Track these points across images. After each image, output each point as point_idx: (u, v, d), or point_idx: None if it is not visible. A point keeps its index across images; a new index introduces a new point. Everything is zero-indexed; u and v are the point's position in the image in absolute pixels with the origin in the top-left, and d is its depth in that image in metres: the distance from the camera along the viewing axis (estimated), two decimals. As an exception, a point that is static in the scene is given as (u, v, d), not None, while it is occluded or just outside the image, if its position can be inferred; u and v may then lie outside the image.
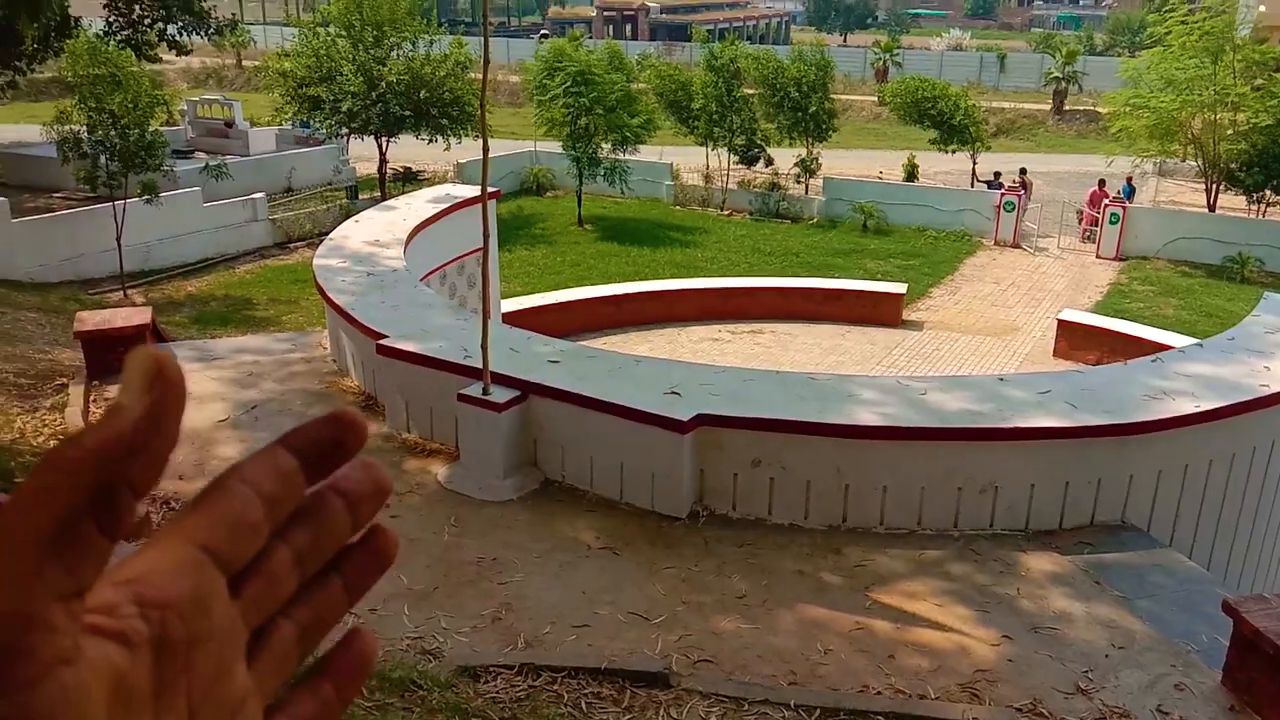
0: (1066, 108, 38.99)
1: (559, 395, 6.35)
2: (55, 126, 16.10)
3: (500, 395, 6.40)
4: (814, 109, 24.84)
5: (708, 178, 26.00)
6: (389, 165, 23.46)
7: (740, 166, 25.91)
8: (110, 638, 0.35)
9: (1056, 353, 15.30)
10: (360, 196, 23.33)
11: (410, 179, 24.07)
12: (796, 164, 25.21)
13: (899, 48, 46.82)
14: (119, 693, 0.35)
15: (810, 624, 5.29)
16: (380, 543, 0.46)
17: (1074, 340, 15.06)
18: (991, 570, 5.89)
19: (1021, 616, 5.43)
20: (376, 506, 0.44)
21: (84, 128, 15.80)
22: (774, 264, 20.54)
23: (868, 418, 6.20)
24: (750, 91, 25.73)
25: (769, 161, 25.71)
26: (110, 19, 23.00)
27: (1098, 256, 21.59)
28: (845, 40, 74.68)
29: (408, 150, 24.34)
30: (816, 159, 25.36)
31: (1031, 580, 5.81)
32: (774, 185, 25.24)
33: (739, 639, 5.11)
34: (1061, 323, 15.43)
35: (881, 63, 45.01)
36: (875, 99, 40.44)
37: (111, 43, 18.12)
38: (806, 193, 25.27)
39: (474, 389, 6.50)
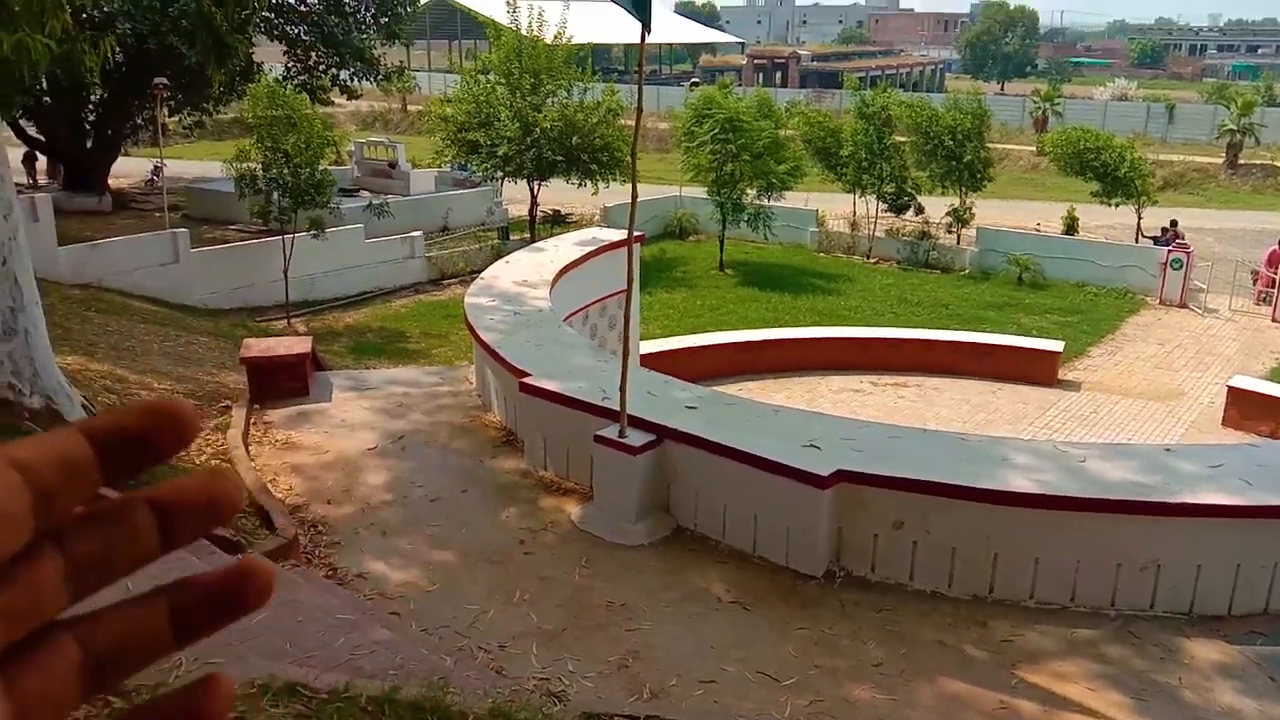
0: (1241, 161, 36.75)
1: (695, 442, 6.28)
2: (235, 164, 17.26)
3: (636, 438, 6.39)
4: (969, 158, 24.20)
5: (854, 225, 25.63)
6: (539, 208, 24.11)
7: (889, 214, 25.43)
8: None
9: (1226, 422, 14.24)
10: (511, 237, 24.05)
11: (559, 221, 24.67)
12: (949, 213, 24.57)
13: (1060, 97, 45.30)
14: None
15: (951, 699, 5.00)
16: (239, 577, 0.37)
17: (1246, 409, 14.00)
18: (1151, 655, 5.45)
19: (1184, 709, 4.99)
20: (206, 524, 0.37)
21: (260, 166, 16.87)
22: (921, 315, 19.98)
23: (1022, 484, 5.87)
24: (902, 139, 25.30)
25: (919, 210, 25.14)
26: (289, 65, 24.60)
27: (1274, 320, 20.11)
28: (1003, 89, 72.81)
29: (557, 193, 24.97)
30: (970, 208, 24.65)
31: (1195, 670, 5.34)
32: (924, 234, 24.65)
33: (873, 709, 4.88)
34: (1232, 390, 14.37)
35: (1041, 112, 43.62)
36: (1033, 149, 39.17)
37: (289, 87, 19.36)
38: (958, 243, 24.58)
39: (611, 431, 6.50)
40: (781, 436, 6.28)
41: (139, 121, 24.58)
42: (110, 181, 25.06)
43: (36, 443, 0.33)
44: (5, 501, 0.32)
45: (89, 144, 24.11)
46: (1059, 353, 16.27)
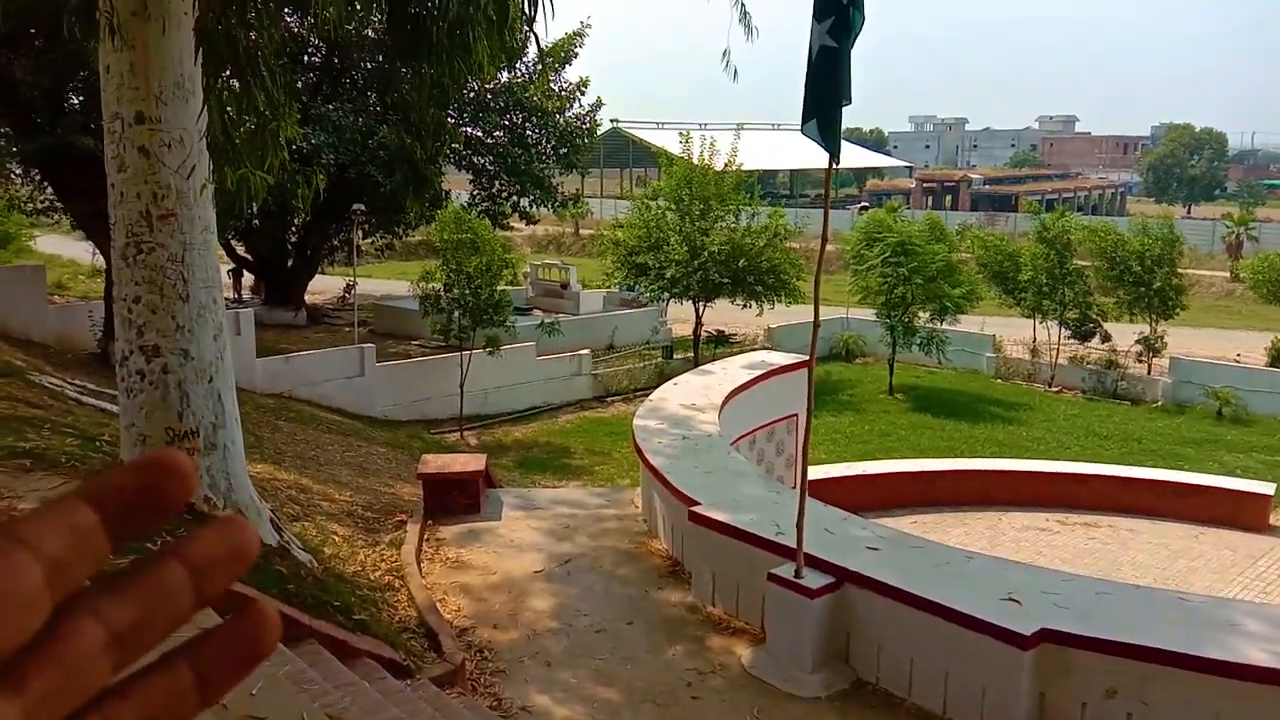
0: None
1: (880, 588, 5.86)
2: (421, 284, 18.20)
3: (813, 580, 6.02)
4: (1159, 284, 22.94)
5: (1035, 351, 24.53)
6: (703, 327, 24.27)
7: (1072, 341, 24.24)
8: None
9: None
10: (674, 356, 24.23)
11: (722, 341, 24.71)
12: (1138, 341, 23.20)
13: (1255, 221, 42.74)
14: None
15: None
16: (252, 625, 0.35)
17: None
18: None
19: None
20: (233, 575, 0.35)
21: (443, 286, 17.72)
22: (1111, 449, 18.69)
23: (1257, 655, 5.15)
24: (1084, 263, 24.29)
25: (1105, 337, 23.87)
26: (474, 192, 26.07)
27: None
28: (1189, 212, 69.53)
29: (721, 314, 25.10)
30: (1161, 337, 23.22)
31: None
32: (1111, 363, 23.32)
33: None
34: None
35: (1235, 236, 41.20)
36: (1227, 275, 36.89)
37: (474, 213, 20.41)
38: (1149, 373, 23.10)
39: (785, 569, 6.16)
40: (976, 586, 5.78)
41: (335, 243, 26.46)
42: (306, 297, 26.92)
43: (38, 516, 0.33)
44: (14, 581, 0.31)
45: (289, 263, 26.07)
46: (1270, 496, 14.75)
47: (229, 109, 5.44)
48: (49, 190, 20.26)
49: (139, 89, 5.36)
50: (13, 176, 22.03)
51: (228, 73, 5.41)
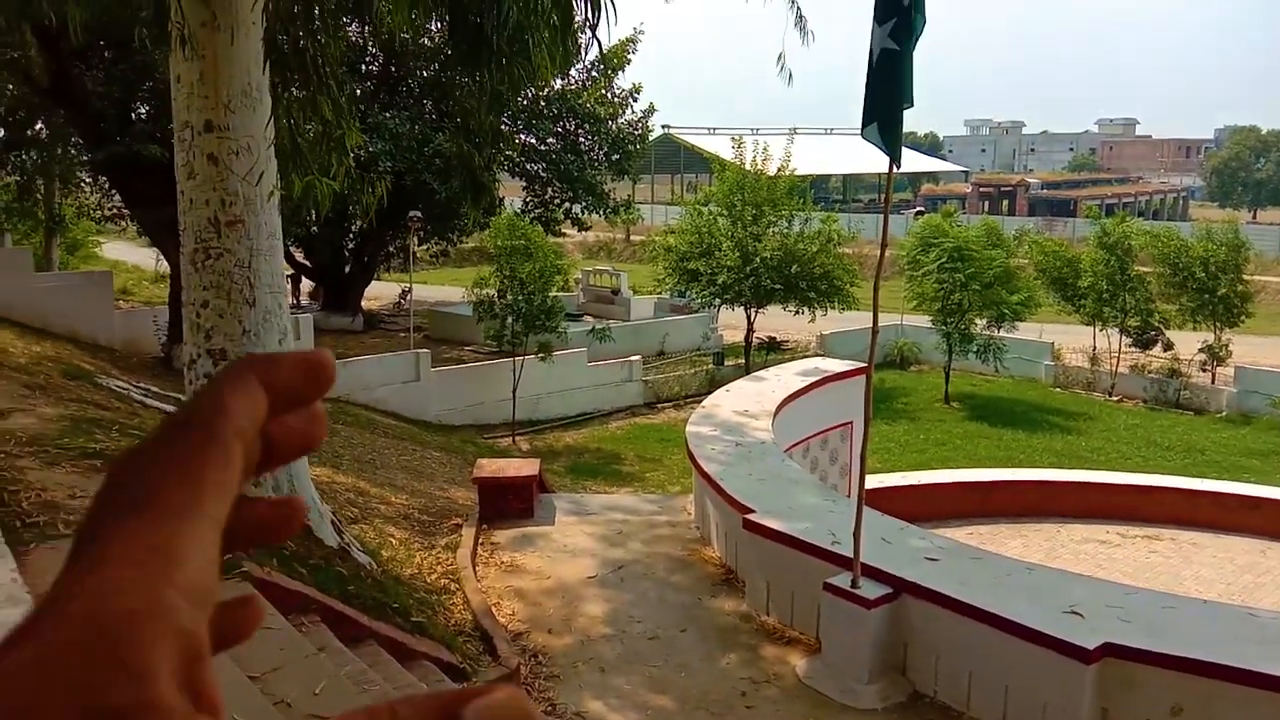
0: None
1: (938, 599, 5.78)
2: (474, 290, 18.37)
3: (870, 590, 5.96)
4: (1224, 290, 22.37)
5: (1094, 359, 24.05)
6: (755, 334, 24.17)
7: (1133, 349, 23.72)
8: None
9: None
10: (725, 362, 24.16)
11: (774, 348, 24.59)
12: (1202, 349, 22.62)
13: (1327, 224, 41.48)
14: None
15: None
16: (282, 514, 0.40)
17: None
18: None
19: None
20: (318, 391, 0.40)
21: (497, 292, 17.87)
22: (1173, 460, 18.24)
23: (1332, 674, 4.99)
24: (1145, 270, 23.77)
25: (1168, 345, 23.33)
26: (527, 199, 26.28)
27: None
28: (1255, 216, 67.73)
29: (773, 319, 24.98)
30: (1226, 345, 22.62)
31: None
32: (1173, 372, 22.77)
33: None
34: None
35: (1305, 241, 40.04)
36: (1297, 281, 35.85)
37: (527, 219, 20.57)
38: (1213, 382, 22.51)
39: (842, 579, 6.11)
40: (1037, 599, 5.67)
41: (391, 249, 26.84)
42: (363, 303, 27.33)
43: (238, 395, 0.37)
44: (239, 472, 0.36)
45: (347, 269, 26.49)
46: (1342, 509, 14.28)
47: (295, 117, 5.55)
48: (116, 198, 20.84)
49: (208, 98, 5.49)
50: (82, 185, 22.71)
51: (294, 81, 5.52)
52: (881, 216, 5.74)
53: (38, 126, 19.21)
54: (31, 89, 15.60)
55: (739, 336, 24.92)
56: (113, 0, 8.85)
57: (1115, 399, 22.86)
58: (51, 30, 12.22)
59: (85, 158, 18.80)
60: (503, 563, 7.97)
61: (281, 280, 5.77)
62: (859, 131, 5.32)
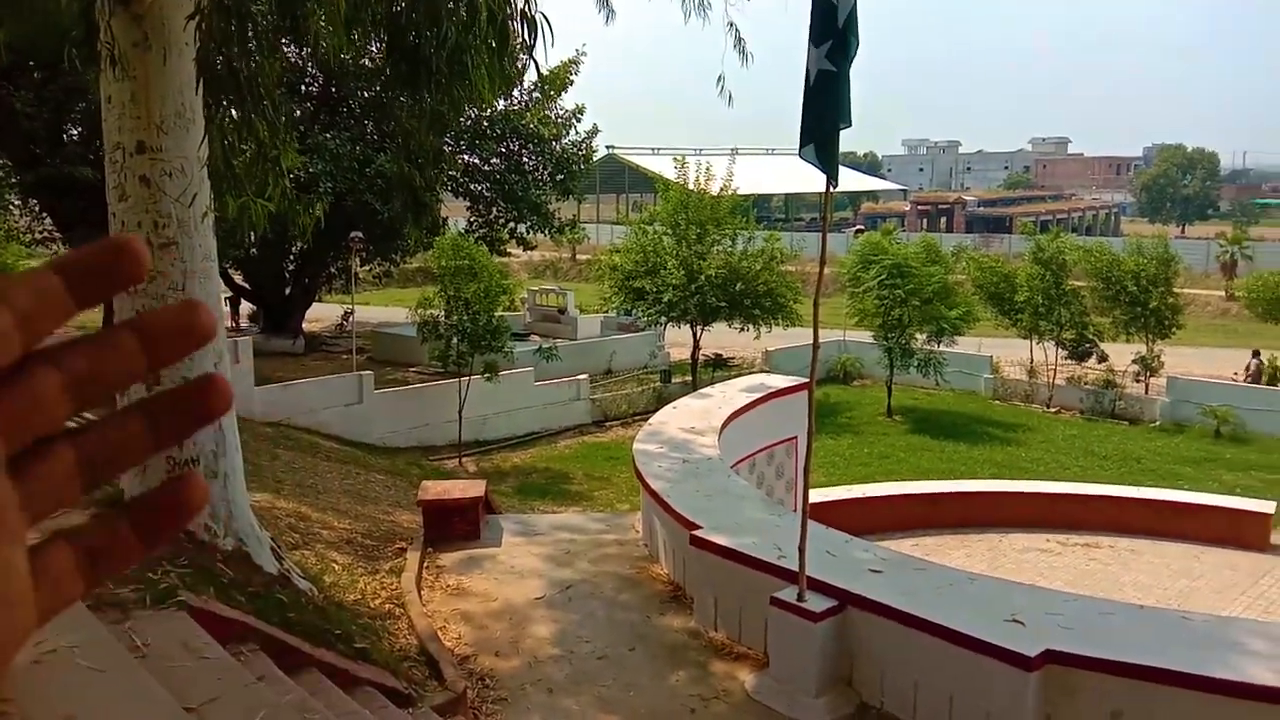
0: None
1: (882, 610, 5.84)
2: (418, 310, 18.21)
3: (817, 603, 6.00)
4: (1155, 303, 23.02)
5: (1032, 372, 24.57)
6: (701, 351, 24.29)
7: (1069, 361, 24.28)
8: None
9: None
10: (673, 380, 24.23)
11: (720, 365, 24.73)
12: (1135, 361, 23.25)
13: (1249, 240, 42.97)
14: None
15: None
16: (204, 391, 0.42)
17: None
18: None
19: None
20: (183, 348, 0.41)
21: (442, 312, 17.73)
22: (1110, 469, 18.67)
23: (1262, 674, 5.13)
24: (1079, 284, 24.38)
25: (1102, 357, 23.93)
26: (471, 219, 26.16)
27: None
28: (1183, 231, 69.91)
29: (719, 337, 25.14)
30: (1158, 356, 23.27)
31: None
32: (1109, 383, 23.35)
33: None
34: None
35: (1229, 255, 41.39)
36: (1222, 294, 37.05)
37: (471, 239, 20.47)
38: (1147, 392, 23.14)
39: (788, 593, 6.14)
40: (979, 608, 5.76)
41: (333, 270, 26.50)
42: (304, 325, 26.92)
43: (10, 278, 0.38)
44: None
45: (288, 291, 26.09)
46: (1270, 514, 14.71)
47: (230, 138, 5.47)
48: (48, 220, 20.31)
49: (140, 118, 5.40)
50: (11, 207, 22.10)
51: (228, 102, 5.45)
52: (829, 234, 5.82)
53: (-37, 148, 18.69)
54: (-44, 110, 15.19)
55: (685, 354, 25.04)
56: (40, 19, 8.66)
57: (1053, 410, 23.37)
58: (-23, 50, 11.91)
59: (15, 180, 18.31)
60: (449, 586, 7.88)
61: (217, 303, 5.67)
62: (797, 151, 5.40)
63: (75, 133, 16.45)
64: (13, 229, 23.84)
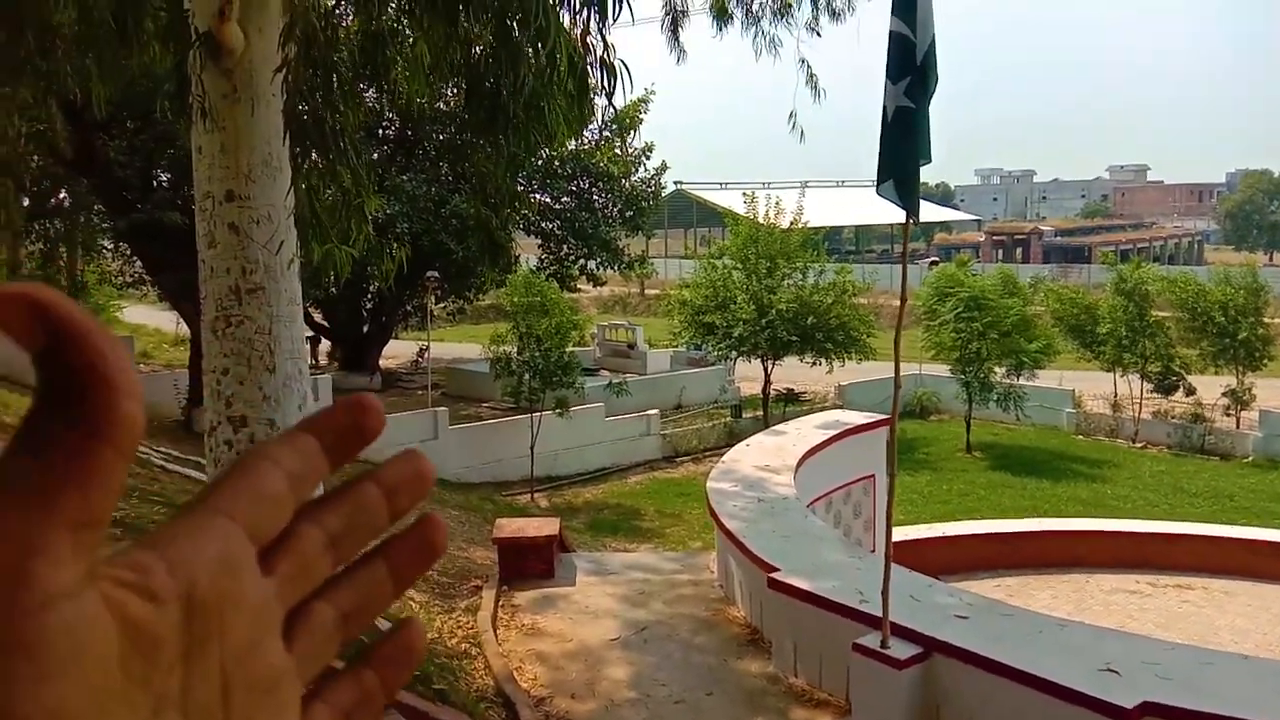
0: None
1: (969, 658, 5.65)
2: (491, 347, 18.44)
3: (901, 650, 5.83)
4: (1245, 334, 22.20)
5: (1116, 406, 23.83)
6: (772, 385, 24.10)
7: (1155, 395, 23.51)
8: (135, 591, 0.34)
9: None
10: (743, 415, 24.07)
11: (792, 400, 24.50)
12: (1225, 394, 22.40)
13: (1345, 265, 41.28)
14: (139, 641, 0.33)
15: None
16: (428, 532, 0.44)
17: None
18: None
19: None
20: (417, 494, 0.43)
21: (514, 349, 17.93)
22: (1200, 507, 17.96)
23: (1383, 732, 4.83)
24: (1163, 314, 23.65)
25: (1190, 390, 23.11)
26: (542, 256, 26.50)
27: None
28: (1271, 259, 67.53)
29: (790, 371, 24.91)
30: (1249, 389, 22.38)
31: None
32: (1197, 417, 22.52)
33: None
34: None
35: (1324, 282, 39.80)
36: (1318, 322, 35.56)
37: (543, 276, 20.73)
38: (1238, 427, 22.25)
39: (871, 639, 5.99)
40: (1071, 656, 5.54)
41: (409, 308, 27.03)
42: (380, 362, 27.45)
43: (278, 440, 0.40)
44: (267, 484, 0.38)
45: (365, 329, 26.67)
46: (1380, 556, 13.97)
47: (314, 185, 5.62)
48: (138, 264, 21.12)
49: (229, 168, 5.57)
50: (104, 251, 23.05)
51: (313, 150, 5.59)
52: (896, 267, 5.74)
53: (61, 195, 19.58)
54: (55, 160, 15.92)
55: (756, 388, 24.85)
56: (136, 74, 9.06)
57: (1139, 445, 22.61)
58: (76, 104, 12.50)
59: (107, 225, 19.11)
60: (524, 625, 7.87)
61: (301, 346, 5.79)
62: (874, 187, 5.34)
63: (164, 179, 17.11)
64: (105, 272, 24.86)
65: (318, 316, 26.76)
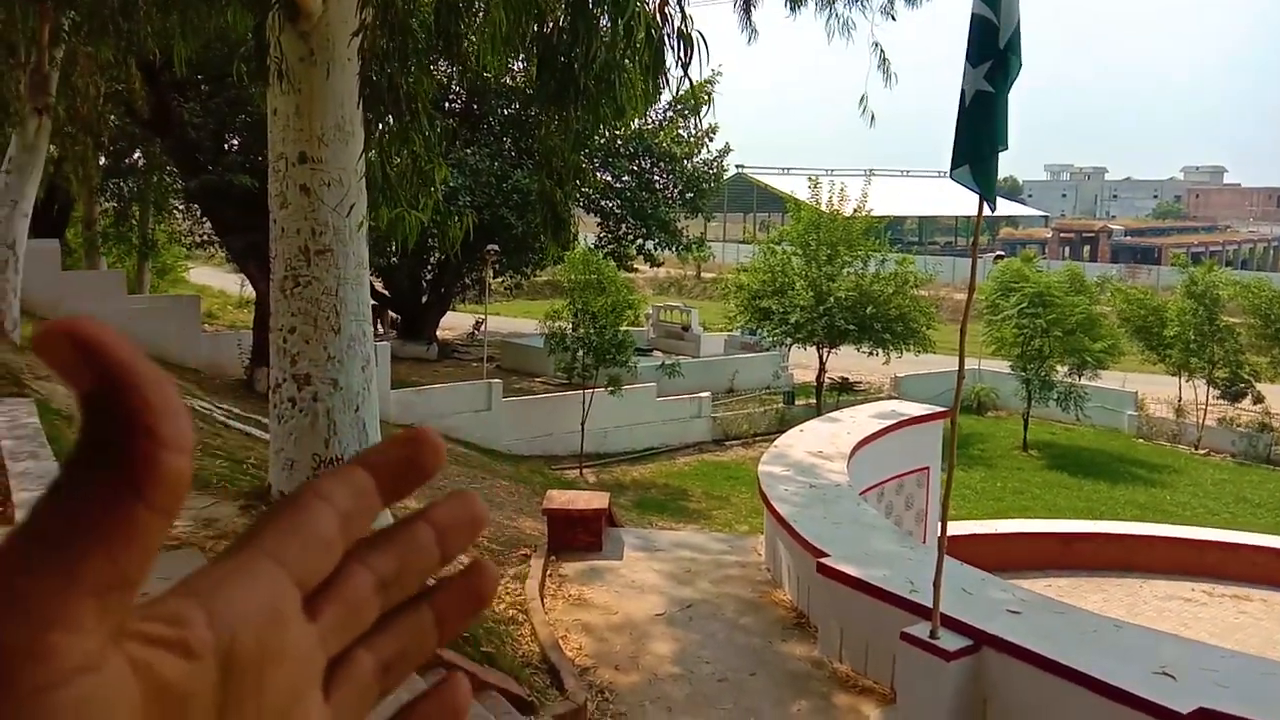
0: None
1: (1020, 654, 5.57)
2: (547, 322, 18.54)
3: (950, 642, 5.77)
4: (1320, 343, 21.49)
5: (1180, 411, 23.26)
6: (826, 374, 23.92)
7: (1221, 401, 22.89)
8: (169, 648, 0.32)
9: None
10: (796, 402, 23.92)
11: (846, 389, 24.29)
12: (1295, 404, 21.76)
13: None
14: (167, 705, 0.31)
15: None
16: (477, 579, 0.42)
17: None
18: None
19: None
20: (469, 538, 0.42)
21: (570, 325, 18.01)
22: (1264, 518, 17.47)
23: None
24: (1234, 320, 22.98)
25: (1258, 398, 22.47)
26: (601, 234, 26.53)
27: None
28: (1354, 267, 65.04)
29: (845, 360, 24.69)
30: (1322, 400, 21.71)
31: None
32: (1264, 426, 21.90)
33: None
34: None
35: (1407, 293, 38.34)
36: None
37: (601, 254, 20.76)
38: (1307, 438, 21.58)
39: (920, 629, 5.93)
40: (1125, 658, 5.44)
41: (468, 281, 27.28)
42: (438, 333, 27.76)
43: (331, 476, 0.38)
44: (319, 526, 0.37)
45: (424, 299, 26.97)
46: None
47: (386, 150, 5.68)
48: (207, 225, 21.58)
49: (303, 130, 5.65)
50: (175, 212, 23.59)
51: (386, 115, 5.65)
52: (958, 259, 5.64)
53: (136, 155, 20.05)
54: (133, 119, 16.30)
55: (809, 376, 24.68)
56: (213, 36, 9.22)
57: (1202, 452, 22.05)
58: (154, 64, 12.77)
59: (179, 185, 19.53)
60: (570, 596, 7.94)
61: (366, 309, 5.87)
62: (945, 173, 5.24)
63: (236, 142, 17.42)
64: (175, 232, 25.44)
65: (379, 285, 27.14)
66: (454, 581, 0.42)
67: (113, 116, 16.65)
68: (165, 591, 0.33)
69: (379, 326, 28.72)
